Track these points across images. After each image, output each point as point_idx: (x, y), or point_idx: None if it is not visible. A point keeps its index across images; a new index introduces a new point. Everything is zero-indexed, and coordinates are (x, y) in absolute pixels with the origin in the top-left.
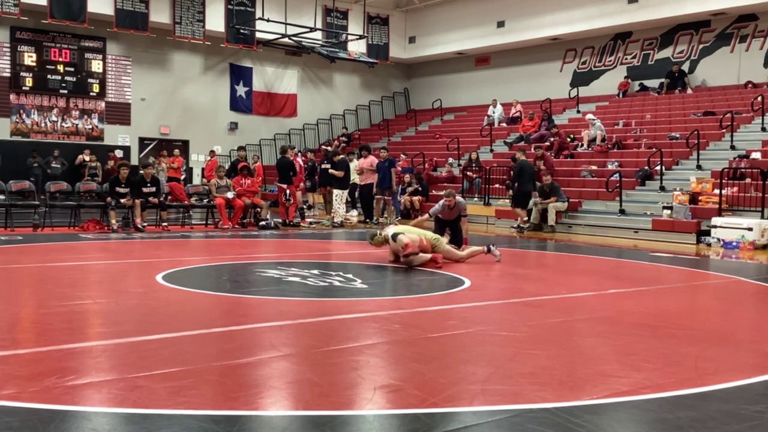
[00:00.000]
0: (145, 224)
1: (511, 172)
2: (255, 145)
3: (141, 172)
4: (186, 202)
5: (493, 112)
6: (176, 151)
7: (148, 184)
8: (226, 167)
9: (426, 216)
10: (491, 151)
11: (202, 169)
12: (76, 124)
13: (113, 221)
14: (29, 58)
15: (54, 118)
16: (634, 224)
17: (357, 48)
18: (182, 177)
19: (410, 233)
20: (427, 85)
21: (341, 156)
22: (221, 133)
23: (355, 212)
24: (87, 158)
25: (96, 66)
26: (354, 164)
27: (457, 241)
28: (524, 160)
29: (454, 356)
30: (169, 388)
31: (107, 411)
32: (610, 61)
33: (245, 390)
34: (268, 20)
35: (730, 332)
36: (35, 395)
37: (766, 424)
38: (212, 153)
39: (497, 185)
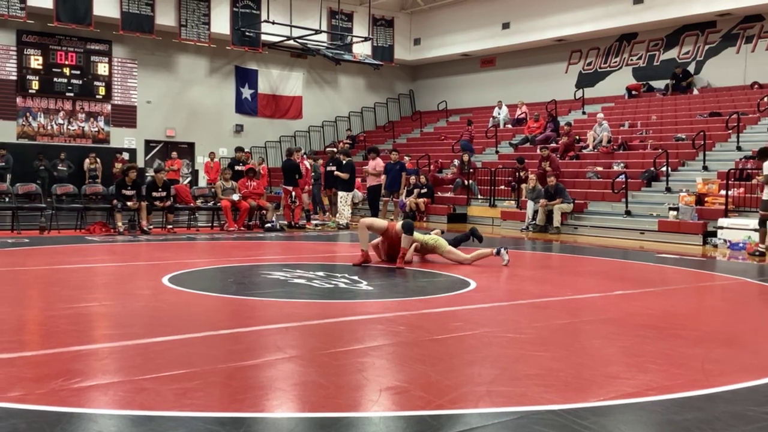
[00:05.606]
0: (151, 227)
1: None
2: (260, 147)
3: (152, 176)
4: (192, 204)
5: (499, 114)
6: (174, 154)
7: (159, 189)
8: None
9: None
10: (497, 152)
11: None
12: (83, 127)
13: (119, 224)
14: (35, 62)
15: (60, 121)
16: (639, 225)
17: (362, 50)
18: (188, 179)
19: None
20: (432, 86)
21: (348, 158)
22: (227, 135)
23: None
24: (88, 160)
25: (102, 69)
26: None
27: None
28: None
29: (459, 358)
30: (176, 390)
31: (113, 413)
32: (616, 62)
33: (251, 392)
34: (273, 23)
35: (737, 333)
36: (42, 397)
37: None
38: (211, 155)
39: (502, 187)
